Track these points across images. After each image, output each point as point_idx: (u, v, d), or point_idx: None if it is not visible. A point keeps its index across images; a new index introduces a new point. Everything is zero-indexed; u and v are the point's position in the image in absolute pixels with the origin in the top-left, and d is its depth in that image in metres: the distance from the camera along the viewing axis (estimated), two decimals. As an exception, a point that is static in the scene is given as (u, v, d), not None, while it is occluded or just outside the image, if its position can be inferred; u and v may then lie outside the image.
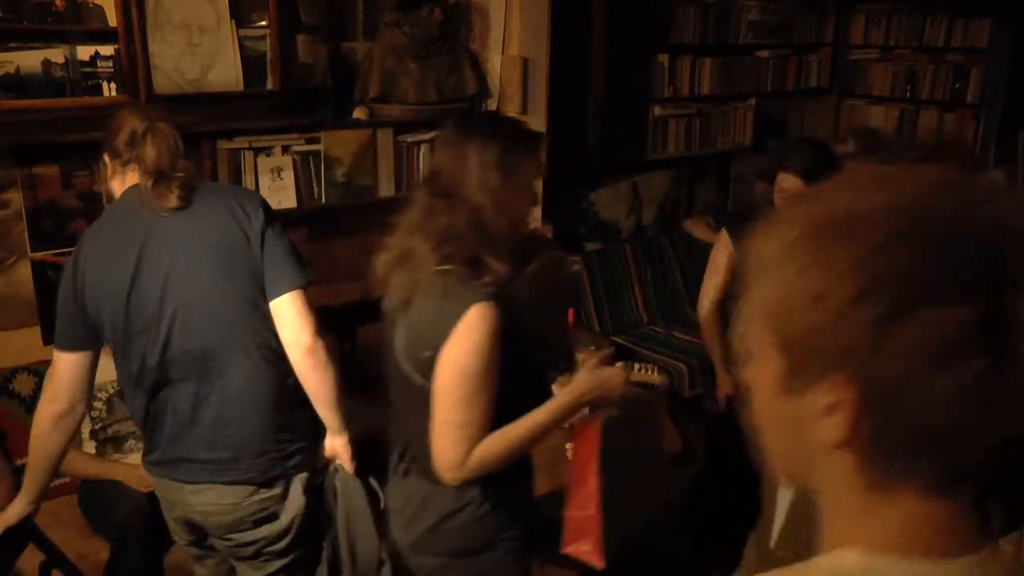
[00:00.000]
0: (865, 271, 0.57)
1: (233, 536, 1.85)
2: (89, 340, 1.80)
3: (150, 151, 1.75)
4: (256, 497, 1.82)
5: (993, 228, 0.57)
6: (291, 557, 1.92)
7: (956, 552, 0.61)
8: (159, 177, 1.75)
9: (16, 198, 2.58)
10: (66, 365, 1.80)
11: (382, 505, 1.96)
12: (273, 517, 1.86)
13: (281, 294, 1.81)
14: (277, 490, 1.85)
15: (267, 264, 1.81)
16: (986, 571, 0.61)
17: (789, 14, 4.82)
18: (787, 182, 2.52)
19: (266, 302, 1.81)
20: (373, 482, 2.00)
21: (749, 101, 4.76)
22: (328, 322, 3.14)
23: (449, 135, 1.69)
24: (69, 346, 1.80)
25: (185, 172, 1.79)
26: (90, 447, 2.50)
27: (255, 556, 1.89)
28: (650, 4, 4.17)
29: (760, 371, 0.66)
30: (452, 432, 1.53)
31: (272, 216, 1.90)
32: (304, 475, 1.90)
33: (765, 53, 4.79)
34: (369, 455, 2.29)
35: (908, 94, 4.88)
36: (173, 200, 1.76)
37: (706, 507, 2.84)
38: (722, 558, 2.20)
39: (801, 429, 0.63)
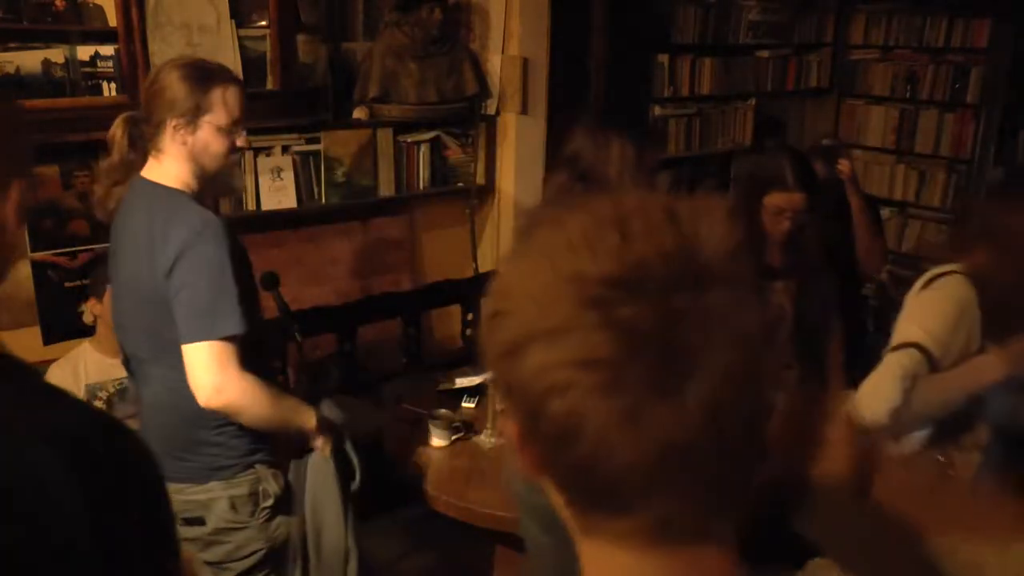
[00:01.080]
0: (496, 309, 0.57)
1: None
2: None
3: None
4: (180, 497, 1.80)
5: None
6: None
7: None
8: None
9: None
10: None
11: (355, 486, 1.94)
12: (198, 520, 1.84)
13: (184, 342, 1.70)
14: (200, 496, 1.82)
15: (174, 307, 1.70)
16: None
17: (789, 14, 4.82)
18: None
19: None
20: (353, 456, 1.96)
21: (749, 101, 4.76)
22: (328, 322, 3.17)
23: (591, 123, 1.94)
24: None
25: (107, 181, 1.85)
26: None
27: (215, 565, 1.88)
28: (650, 4, 4.17)
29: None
30: None
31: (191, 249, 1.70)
32: (233, 487, 1.84)
33: (765, 53, 4.79)
34: (369, 454, 2.30)
35: (908, 94, 4.87)
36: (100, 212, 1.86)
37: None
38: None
39: None
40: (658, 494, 0.54)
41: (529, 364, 0.54)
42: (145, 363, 1.82)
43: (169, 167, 1.79)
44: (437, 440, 2.27)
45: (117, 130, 1.84)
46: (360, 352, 3.27)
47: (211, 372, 1.67)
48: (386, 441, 2.34)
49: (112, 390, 2.45)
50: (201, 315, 1.66)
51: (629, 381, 0.51)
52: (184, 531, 1.82)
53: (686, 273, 0.52)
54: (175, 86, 1.76)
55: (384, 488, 2.21)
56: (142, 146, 1.82)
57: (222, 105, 1.78)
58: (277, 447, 1.91)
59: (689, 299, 0.52)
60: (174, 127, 1.75)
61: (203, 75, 1.77)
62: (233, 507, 1.83)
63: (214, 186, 1.90)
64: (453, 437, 2.33)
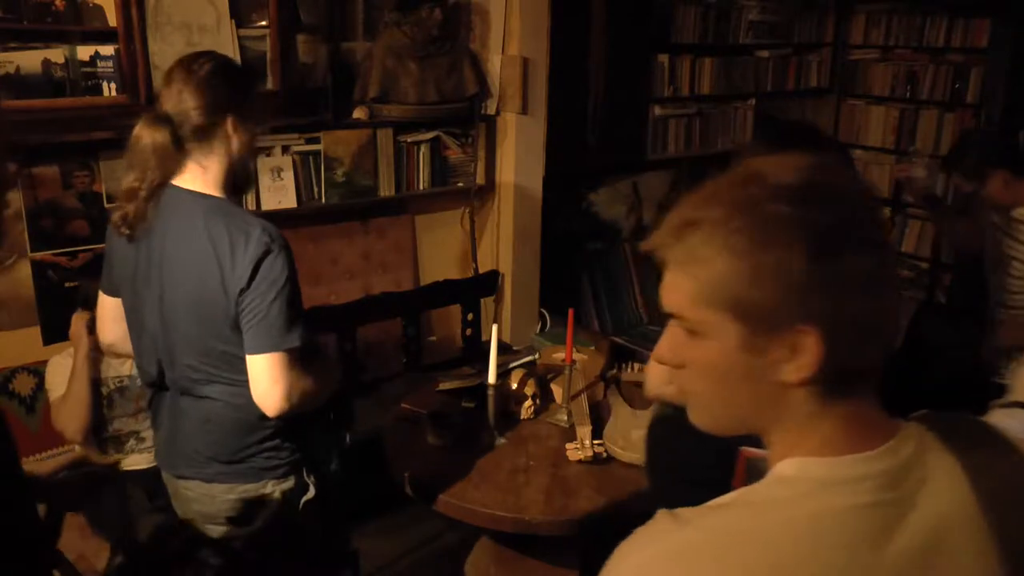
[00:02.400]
0: (797, 234, 0.70)
1: (210, 528, 1.85)
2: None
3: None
4: (230, 496, 1.80)
5: (858, 190, 0.77)
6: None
7: (874, 443, 0.75)
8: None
9: (16, 198, 2.58)
10: (103, 306, 1.90)
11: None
12: (246, 519, 1.83)
13: (252, 354, 1.67)
14: (252, 494, 1.82)
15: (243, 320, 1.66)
16: (899, 452, 0.75)
17: (789, 14, 4.82)
18: None
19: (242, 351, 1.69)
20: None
21: (749, 101, 4.77)
22: (328, 322, 3.17)
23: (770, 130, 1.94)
24: (104, 289, 1.89)
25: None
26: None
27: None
28: (650, 4, 4.17)
29: (705, 345, 0.76)
30: None
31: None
32: (285, 482, 1.85)
33: (765, 53, 4.79)
34: (369, 454, 2.30)
35: (908, 94, 4.87)
36: (119, 230, 1.72)
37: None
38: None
39: (757, 380, 0.75)
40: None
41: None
42: (198, 384, 1.74)
43: (213, 173, 1.69)
44: (437, 440, 2.27)
45: (155, 134, 1.65)
46: (360, 352, 3.27)
47: (280, 383, 1.65)
48: (386, 441, 2.34)
49: (112, 386, 2.45)
50: (273, 327, 1.63)
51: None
52: (230, 531, 1.83)
53: None
54: (235, 79, 1.70)
55: (384, 488, 2.21)
56: (174, 152, 1.67)
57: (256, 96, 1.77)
58: None
59: None
60: (233, 125, 1.68)
61: (245, 67, 1.72)
62: (285, 501, 1.84)
63: (235, 185, 1.80)
64: (453, 437, 2.33)
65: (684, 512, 0.74)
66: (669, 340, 0.80)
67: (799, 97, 5.14)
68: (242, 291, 1.62)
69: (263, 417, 1.72)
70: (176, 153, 1.66)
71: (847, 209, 0.73)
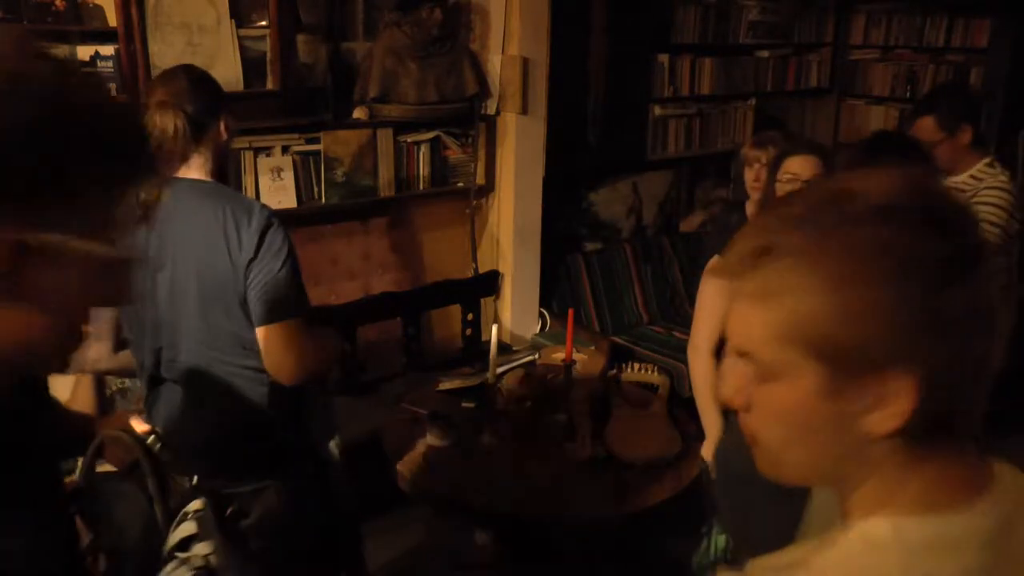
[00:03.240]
0: (899, 266, 0.61)
1: None
2: None
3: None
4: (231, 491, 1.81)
5: (954, 209, 0.65)
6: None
7: (973, 496, 0.65)
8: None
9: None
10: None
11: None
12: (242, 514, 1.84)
13: (264, 323, 1.74)
14: (248, 488, 1.83)
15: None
16: (1000, 505, 0.66)
17: (789, 14, 4.82)
18: (797, 164, 2.19)
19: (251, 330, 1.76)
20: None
21: (749, 101, 4.77)
22: (328, 322, 3.16)
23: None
24: None
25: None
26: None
27: None
28: (650, 4, 4.17)
29: (785, 386, 0.67)
30: None
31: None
32: (291, 479, 1.87)
33: (765, 53, 4.79)
34: (369, 454, 2.30)
35: (908, 94, 4.87)
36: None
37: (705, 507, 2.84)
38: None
39: (837, 429, 0.66)
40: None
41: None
42: (198, 373, 1.77)
43: (208, 161, 1.79)
44: (437, 440, 2.27)
45: (176, 120, 1.73)
46: (360, 352, 3.27)
47: (293, 350, 1.73)
48: (386, 441, 2.34)
49: (114, 388, 2.45)
50: (282, 295, 1.72)
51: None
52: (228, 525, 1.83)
53: None
54: (217, 84, 1.84)
55: (384, 488, 2.21)
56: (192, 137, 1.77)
57: None
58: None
59: None
60: (225, 118, 1.80)
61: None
62: (284, 495, 1.85)
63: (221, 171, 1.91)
64: (453, 437, 2.33)
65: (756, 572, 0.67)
66: (736, 379, 0.71)
67: (799, 97, 5.14)
68: (250, 262, 1.71)
69: (260, 411, 1.76)
70: (191, 139, 1.76)
71: (956, 235, 0.63)
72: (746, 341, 0.69)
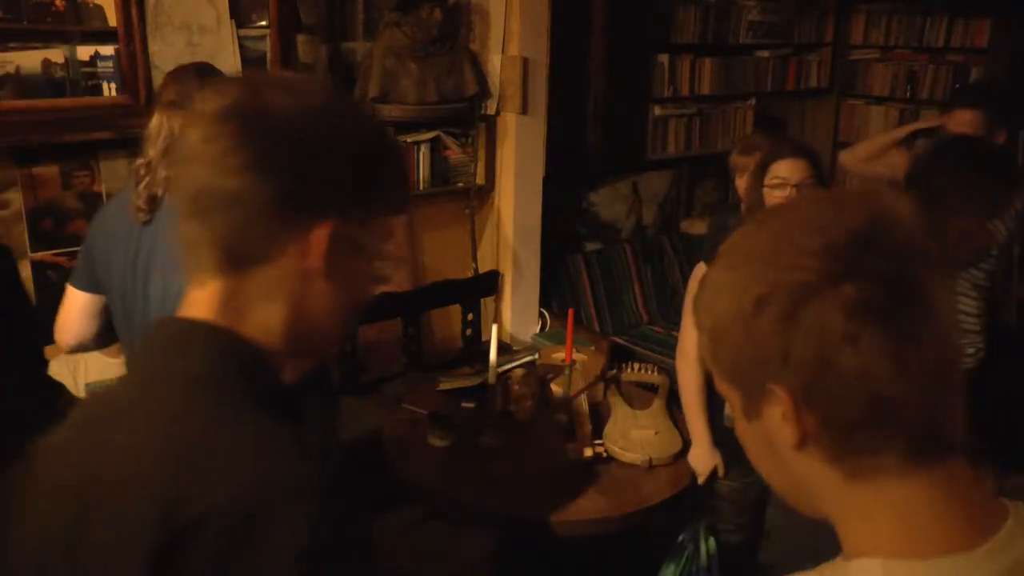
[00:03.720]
0: (757, 286, 0.65)
1: None
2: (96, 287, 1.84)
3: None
4: None
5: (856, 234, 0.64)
6: None
7: (975, 539, 0.61)
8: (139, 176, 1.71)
9: (16, 198, 2.58)
10: (76, 302, 1.85)
11: None
12: None
13: None
14: None
15: None
16: (1009, 551, 0.61)
17: (789, 14, 4.82)
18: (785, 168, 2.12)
19: None
20: None
21: (749, 101, 4.77)
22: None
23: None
24: (79, 286, 1.85)
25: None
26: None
27: None
28: (650, 4, 4.17)
29: (737, 418, 0.72)
30: None
31: None
32: None
33: (765, 53, 4.79)
34: (369, 454, 2.30)
35: (908, 94, 4.87)
36: (137, 216, 1.70)
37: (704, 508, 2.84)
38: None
39: (773, 449, 0.68)
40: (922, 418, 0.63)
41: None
42: None
43: None
44: (437, 440, 2.27)
45: (178, 120, 1.70)
46: (360, 352, 3.27)
47: None
48: (386, 441, 2.34)
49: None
50: None
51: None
52: None
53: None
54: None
55: (384, 488, 2.21)
56: None
57: None
58: None
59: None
60: None
61: None
62: None
63: None
64: (453, 437, 2.33)
65: None
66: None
67: (799, 97, 5.14)
68: None
69: None
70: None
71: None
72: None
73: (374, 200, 0.83)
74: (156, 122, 1.71)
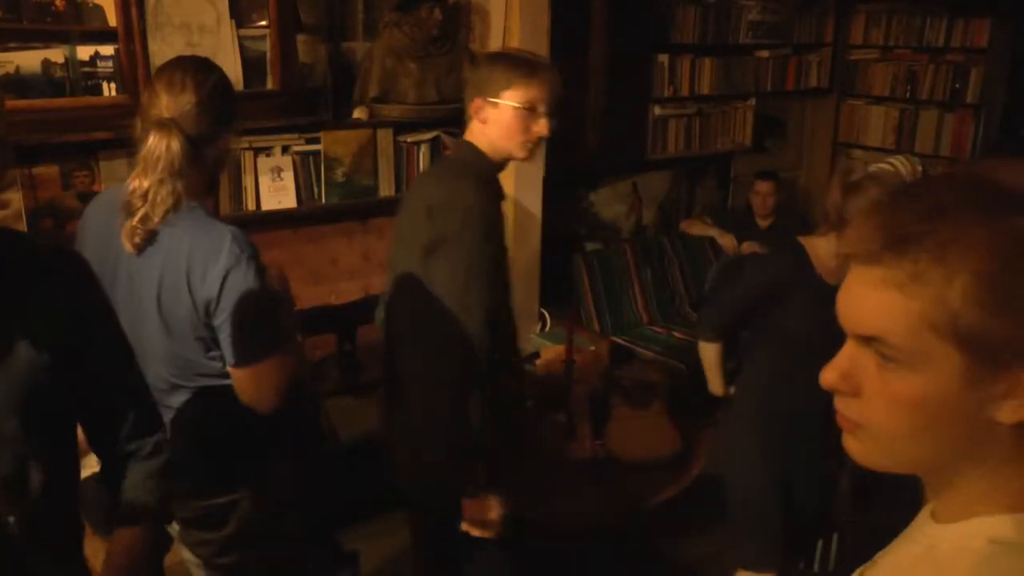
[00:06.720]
0: None
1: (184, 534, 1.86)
2: None
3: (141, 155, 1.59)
4: (202, 502, 1.79)
5: None
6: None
7: None
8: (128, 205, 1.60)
9: (16, 198, 2.58)
10: None
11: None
12: (219, 524, 1.82)
13: (235, 367, 1.67)
14: (223, 499, 1.80)
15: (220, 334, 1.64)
16: None
17: (789, 14, 4.82)
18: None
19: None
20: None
21: (749, 101, 4.77)
22: (328, 322, 3.16)
23: None
24: None
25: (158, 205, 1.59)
26: (92, 461, 2.49)
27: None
28: (650, 4, 4.17)
29: (920, 374, 0.66)
30: None
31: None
32: (260, 485, 1.85)
33: (765, 53, 4.79)
34: (369, 455, 2.30)
35: (908, 94, 4.88)
36: (129, 246, 1.61)
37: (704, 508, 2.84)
38: (715, 560, 2.19)
39: (971, 416, 0.65)
40: None
41: None
42: (163, 394, 1.69)
43: (194, 181, 1.64)
44: (437, 440, 2.27)
45: (172, 142, 1.58)
46: (360, 352, 3.27)
47: (267, 387, 1.67)
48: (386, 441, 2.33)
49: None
50: (252, 339, 1.64)
51: None
52: (203, 536, 1.83)
53: None
54: (232, 93, 1.75)
55: (383, 489, 2.21)
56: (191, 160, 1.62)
57: None
58: None
59: None
60: (228, 139, 1.71)
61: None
62: (256, 506, 1.82)
63: (209, 186, 1.82)
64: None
65: None
66: (847, 364, 0.70)
67: (799, 97, 5.14)
68: (214, 304, 1.60)
69: (228, 426, 1.72)
70: (185, 161, 1.59)
71: None
72: (882, 328, 0.67)
73: None
74: (154, 143, 1.57)
